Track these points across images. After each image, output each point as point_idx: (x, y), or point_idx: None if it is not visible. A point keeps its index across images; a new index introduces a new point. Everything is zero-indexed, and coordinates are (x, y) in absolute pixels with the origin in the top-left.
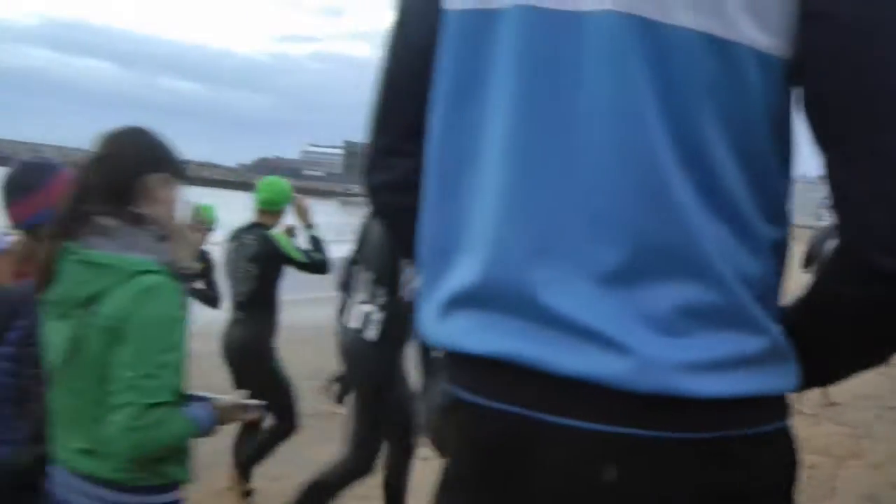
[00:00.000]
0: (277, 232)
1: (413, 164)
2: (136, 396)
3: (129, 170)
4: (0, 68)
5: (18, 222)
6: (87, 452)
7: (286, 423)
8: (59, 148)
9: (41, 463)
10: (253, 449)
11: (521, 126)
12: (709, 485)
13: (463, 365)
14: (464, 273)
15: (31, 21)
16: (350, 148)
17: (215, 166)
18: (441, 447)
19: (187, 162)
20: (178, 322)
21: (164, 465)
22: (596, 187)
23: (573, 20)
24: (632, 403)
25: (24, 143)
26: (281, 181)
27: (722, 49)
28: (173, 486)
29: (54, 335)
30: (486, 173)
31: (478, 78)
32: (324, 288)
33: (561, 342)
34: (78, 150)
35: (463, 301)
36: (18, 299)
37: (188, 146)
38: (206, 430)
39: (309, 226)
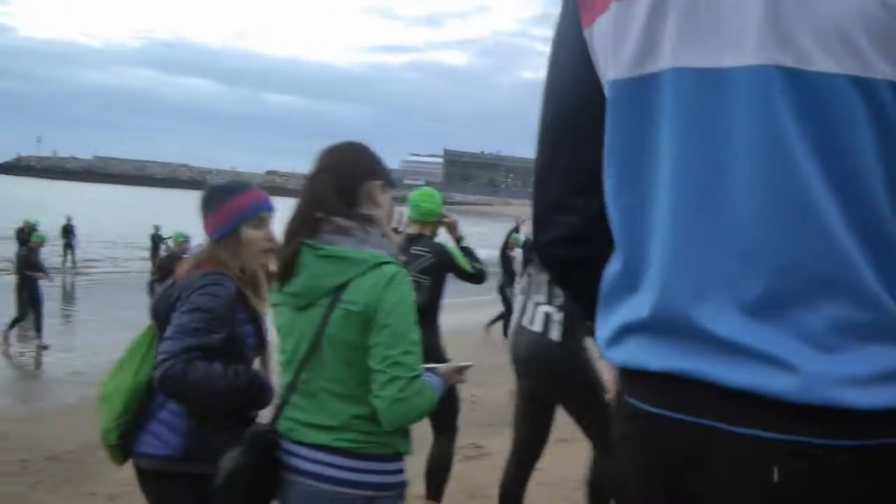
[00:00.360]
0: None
1: (580, 220)
2: (401, 371)
3: (355, 177)
4: (107, 89)
5: (208, 234)
6: (325, 427)
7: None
8: (165, 164)
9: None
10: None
11: (682, 179)
12: (868, 490)
13: (641, 380)
14: (639, 305)
15: (135, 43)
16: (449, 156)
17: None
18: (618, 452)
19: (292, 175)
20: (414, 305)
21: (392, 436)
22: (748, 225)
23: (722, 76)
24: (797, 414)
25: (132, 161)
26: (435, 192)
27: (863, 87)
28: (398, 456)
29: (292, 321)
30: (654, 226)
31: (643, 138)
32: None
33: (729, 360)
34: (183, 166)
35: (636, 329)
36: (184, 287)
37: (291, 158)
38: (440, 395)
39: (459, 237)
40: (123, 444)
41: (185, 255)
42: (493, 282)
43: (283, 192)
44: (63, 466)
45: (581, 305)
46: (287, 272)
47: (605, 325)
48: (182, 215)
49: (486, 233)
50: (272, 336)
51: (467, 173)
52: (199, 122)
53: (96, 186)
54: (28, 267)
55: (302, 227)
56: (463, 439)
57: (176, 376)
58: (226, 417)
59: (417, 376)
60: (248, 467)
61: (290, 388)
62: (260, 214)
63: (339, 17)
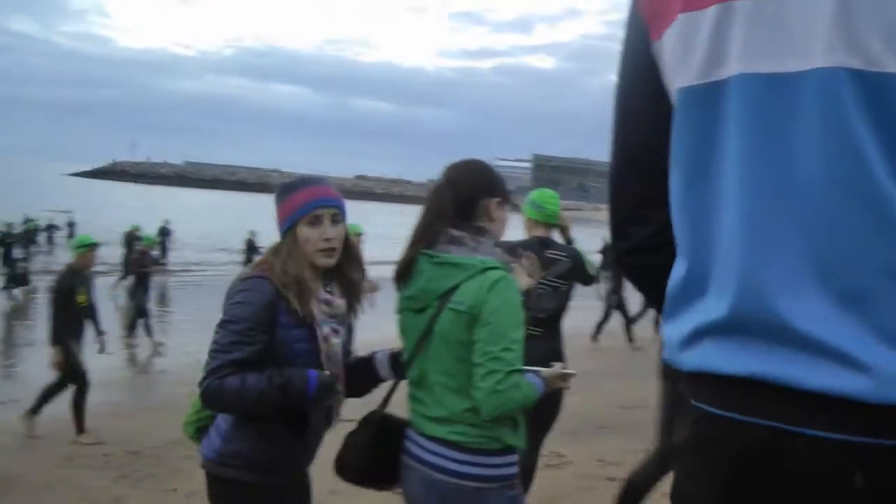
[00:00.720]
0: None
1: (650, 230)
2: (499, 365)
3: (473, 192)
4: (199, 97)
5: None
6: (440, 420)
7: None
8: (255, 169)
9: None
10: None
11: (753, 182)
12: None
13: (713, 384)
14: (711, 307)
15: (227, 52)
16: (538, 160)
17: (407, 182)
18: (683, 458)
19: (381, 180)
20: (519, 307)
21: (502, 431)
22: (823, 224)
23: (790, 80)
24: (873, 415)
25: (223, 166)
26: (556, 193)
27: None
28: (508, 450)
29: (412, 323)
30: (723, 228)
31: (711, 143)
32: None
33: (805, 361)
34: (274, 171)
35: (711, 330)
36: (227, 295)
37: (380, 164)
38: (539, 395)
39: (570, 240)
40: (200, 439)
41: None
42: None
43: (372, 196)
44: (145, 462)
45: (658, 309)
46: (403, 277)
47: (675, 329)
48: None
49: (576, 238)
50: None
51: (556, 178)
52: (289, 128)
53: (188, 191)
54: (143, 267)
55: (423, 236)
56: (543, 447)
57: (211, 395)
58: (271, 424)
59: (515, 371)
60: (362, 443)
61: (413, 383)
62: (315, 211)
63: (430, 23)
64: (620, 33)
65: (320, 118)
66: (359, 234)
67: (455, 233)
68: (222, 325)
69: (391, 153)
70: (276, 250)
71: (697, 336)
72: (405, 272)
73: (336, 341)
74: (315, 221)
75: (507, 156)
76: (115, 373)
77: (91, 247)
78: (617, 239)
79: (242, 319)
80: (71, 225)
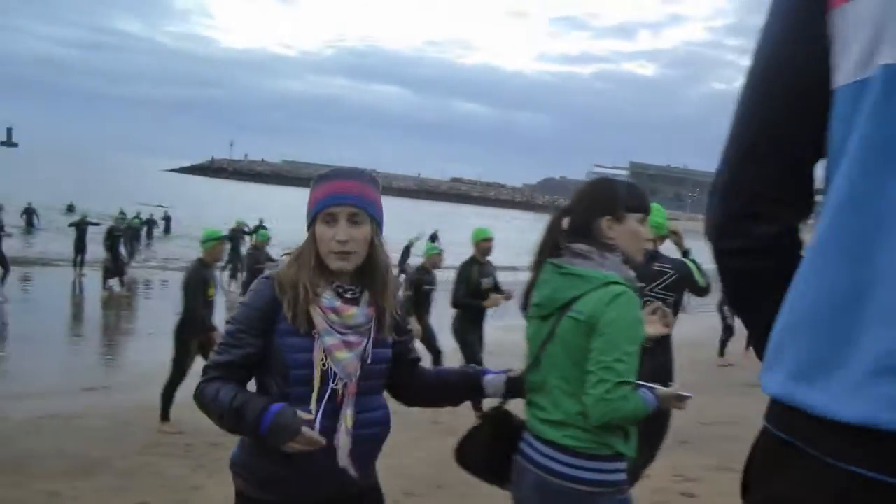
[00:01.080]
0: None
1: (774, 230)
2: (610, 375)
3: (586, 212)
4: (300, 97)
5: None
6: (555, 423)
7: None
8: None
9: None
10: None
11: None
12: None
13: (881, 442)
14: (883, 341)
15: (328, 52)
16: (635, 169)
17: (502, 186)
18: None
19: (476, 183)
20: (638, 322)
21: (613, 438)
22: None
23: None
24: None
25: (319, 165)
26: (660, 206)
27: None
28: (618, 457)
29: (536, 330)
30: None
31: None
32: None
33: None
34: (371, 171)
35: (890, 370)
36: None
37: (476, 166)
38: (651, 411)
39: (686, 250)
40: None
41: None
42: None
43: (468, 199)
44: (224, 453)
45: (750, 321)
46: (531, 286)
47: (826, 366)
48: (389, 220)
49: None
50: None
51: (653, 187)
52: (387, 129)
53: (284, 189)
54: (258, 262)
55: (547, 248)
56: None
57: (196, 397)
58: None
59: (625, 383)
60: (484, 436)
61: (532, 388)
62: (330, 209)
63: (531, 27)
64: (725, 40)
65: (419, 119)
66: (487, 239)
67: (581, 248)
68: (227, 323)
69: (487, 156)
70: (302, 247)
71: (869, 376)
72: (532, 284)
73: (347, 355)
74: (330, 220)
75: (605, 163)
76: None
77: (220, 240)
78: (725, 237)
79: (237, 321)
80: (167, 219)
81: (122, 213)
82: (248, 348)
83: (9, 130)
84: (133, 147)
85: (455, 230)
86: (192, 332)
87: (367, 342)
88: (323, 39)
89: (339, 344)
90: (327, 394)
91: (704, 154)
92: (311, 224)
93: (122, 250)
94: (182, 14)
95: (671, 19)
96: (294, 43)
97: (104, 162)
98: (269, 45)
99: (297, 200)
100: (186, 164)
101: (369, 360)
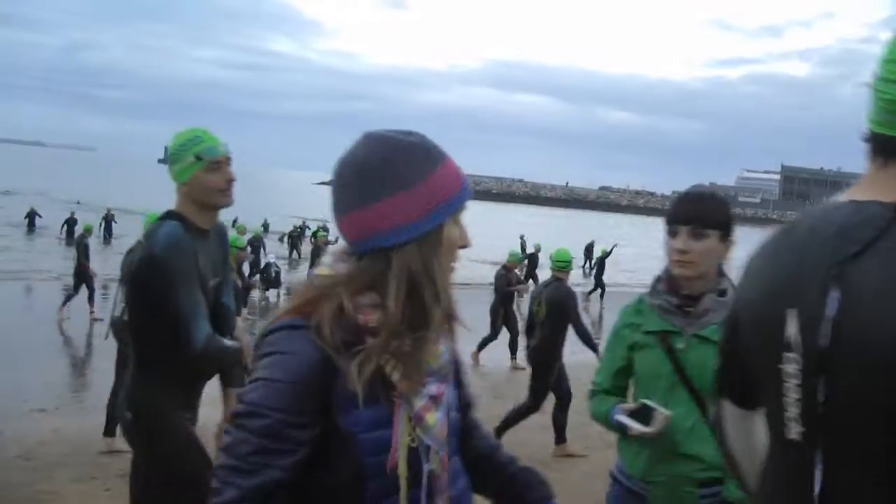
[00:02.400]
0: None
1: None
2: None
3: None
4: (448, 109)
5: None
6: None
7: None
8: (500, 179)
9: None
10: None
11: None
12: None
13: None
14: None
15: (475, 64)
16: (787, 173)
17: (651, 194)
18: None
19: (625, 191)
20: None
21: None
22: None
23: None
24: None
25: (469, 176)
26: None
27: None
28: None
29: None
30: None
31: None
32: None
33: None
34: (518, 181)
35: None
36: None
37: (623, 174)
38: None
39: None
40: None
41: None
42: None
43: (617, 208)
44: None
45: None
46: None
47: None
48: (542, 231)
49: None
50: None
51: (805, 191)
52: (534, 139)
53: None
54: (509, 284)
55: None
56: None
57: None
58: None
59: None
60: None
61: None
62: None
63: (678, 32)
64: (881, 34)
65: (566, 128)
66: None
67: None
68: (244, 419)
69: (635, 164)
70: (375, 272)
71: None
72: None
73: (436, 416)
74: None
75: (756, 168)
76: None
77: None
78: None
79: (271, 409)
80: (325, 230)
81: (266, 224)
82: (291, 456)
83: (167, 149)
84: (285, 161)
85: (641, 241)
86: None
87: (448, 388)
88: (470, 52)
89: (428, 402)
90: (424, 481)
91: (859, 156)
92: (435, 226)
93: (271, 259)
94: (331, 32)
95: (823, 16)
96: (442, 56)
97: (259, 177)
98: (417, 58)
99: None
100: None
101: (453, 413)
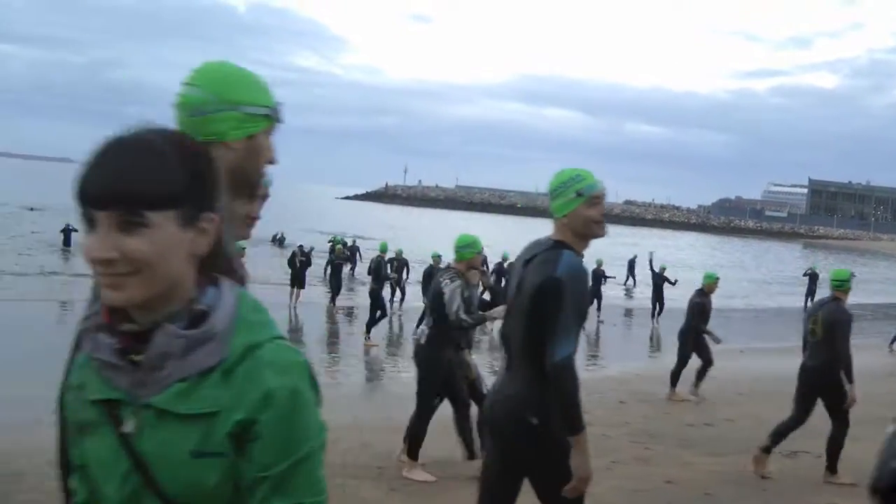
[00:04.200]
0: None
1: None
2: None
3: None
4: (473, 123)
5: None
6: None
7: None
8: (524, 193)
9: None
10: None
11: None
12: None
13: None
14: None
15: (503, 78)
16: (814, 186)
17: (676, 208)
18: None
19: (649, 205)
20: None
21: None
22: None
23: None
24: None
25: (492, 190)
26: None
27: None
28: None
29: None
30: None
31: None
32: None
33: None
34: (543, 194)
35: None
36: None
37: (648, 188)
38: None
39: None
40: None
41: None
42: None
43: (641, 222)
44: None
45: None
46: None
47: None
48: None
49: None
50: None
51: (833, 205)
52: (560, 152)
53: (460, 213)
54: (703, 311)
55: None
56: None
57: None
58: None
59: None
60: None
61: None
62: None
63: (704, 44)
64: None
65: (592, 142)
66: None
67: None
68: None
69: (660, 178)
70: None
71: None
72: None
73: None
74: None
75: (783, 181)
76: (385, 390)
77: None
78: None
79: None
80: (353, 248)
81: (334, 238)
82: None
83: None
84: (310, 176)
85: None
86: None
87: None
88: (497, 66)
89: None
90: None
91: (890, 169)
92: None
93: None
94: (356, 47)
95: (851, 26)
96: (467, 69)
97: (285, 191)
98: (440, 72)
99: (467, 224)
100: (361, 191)
101: None
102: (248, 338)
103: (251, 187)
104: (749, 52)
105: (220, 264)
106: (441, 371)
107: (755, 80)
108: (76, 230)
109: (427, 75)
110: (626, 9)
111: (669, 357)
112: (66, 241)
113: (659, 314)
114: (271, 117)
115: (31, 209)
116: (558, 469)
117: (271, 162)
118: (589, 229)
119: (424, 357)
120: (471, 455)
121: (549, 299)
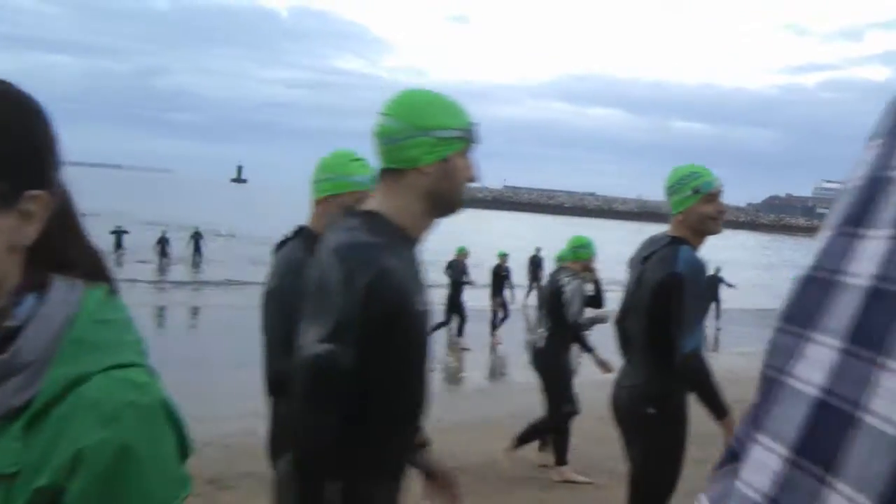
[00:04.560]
0: None
1: None
2: None
3: None
4: (519, 123)
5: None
6: None
7: None
8: (572, 193)
9: None
10: None
11: None
12: None
13: None
14: None
15: (546, 77)
16: None
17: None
18: None
19: None
20: None
21: None
22: None
23: None
24: None
25: (540, 190)
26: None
27: None
28: None
29: None
30: None
31: None
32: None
33: None
34: (590, 194)
35: None
36: None
37: None
38: None
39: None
40: None
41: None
42: None
43: None
44: (469, 478)
45: None
46: None
47: None
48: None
49: None
50: None
51: None
52: (606, 152)
53: (505, 214)
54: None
55: None
56: None
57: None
58: None
59: None
60: None
61: None
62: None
63: (753, 39)
64: None
65: (638, 141)
66: None
67: None
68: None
69: None
70: None
71: None
72: None
73: None
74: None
75: (834, 178)
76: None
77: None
78: None
79: None
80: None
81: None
82: None
83: (239, 168)
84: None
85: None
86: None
87: None
88: (543, 66)
89: None
90: None
91: None
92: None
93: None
94: (399, 49)
95: None
96: (510, 69)
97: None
98: (482, 72)
99: (516, 224)
100: None
101: None
102: (73, 368)
103: (451, 206)
104: (798, 46)
105: (57, 257)
106: (566, 373)
107: (804, 75)
108: (127, 231)
109: (471, 76)
110: (671, 5)
111: (725, 358)
112: (118, 245)
113: (717, 316)
114: (465, 138)
115: (83, 215)
116: (665, 456)
117: (470, 180)
118: (705, 226)
119: (544, 364)
120: (559, 461)
121: (673, 295)
